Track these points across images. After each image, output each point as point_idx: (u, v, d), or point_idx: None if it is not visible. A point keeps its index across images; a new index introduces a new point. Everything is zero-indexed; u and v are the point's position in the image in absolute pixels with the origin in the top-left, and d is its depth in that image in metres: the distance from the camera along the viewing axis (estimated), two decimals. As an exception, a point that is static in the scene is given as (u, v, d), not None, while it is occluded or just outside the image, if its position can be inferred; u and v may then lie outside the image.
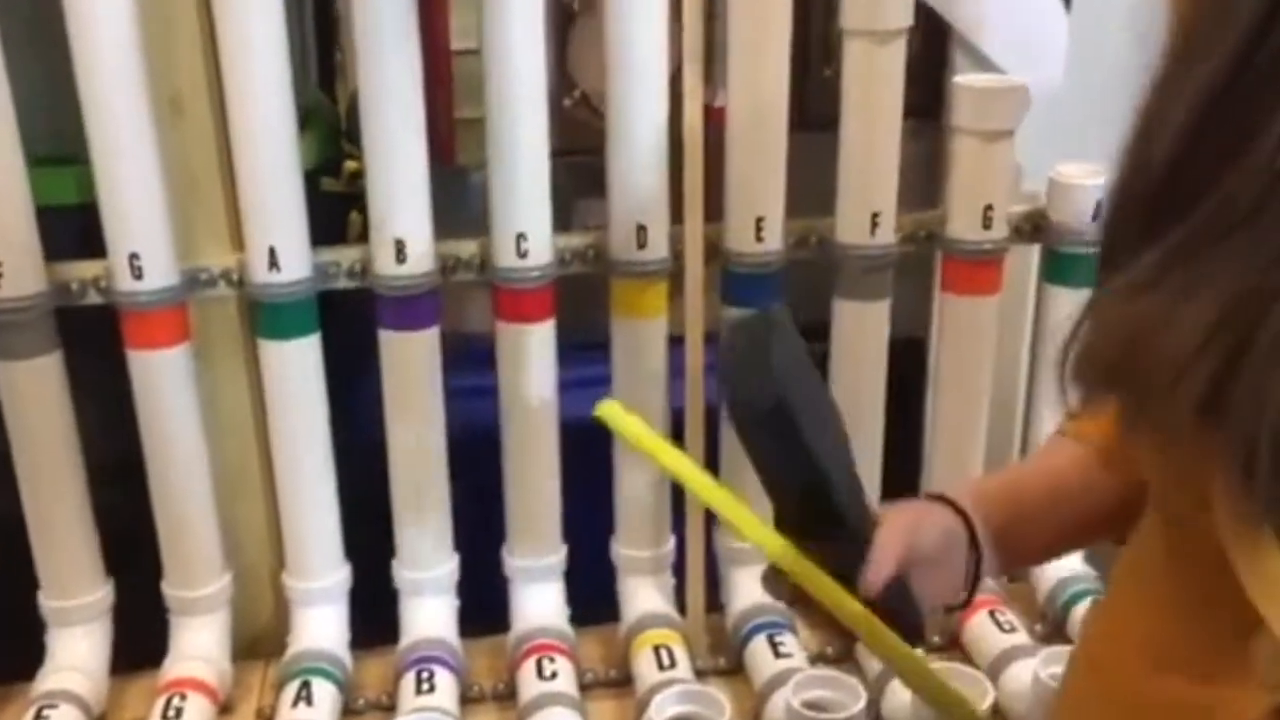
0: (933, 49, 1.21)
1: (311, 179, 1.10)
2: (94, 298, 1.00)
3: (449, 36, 1.10)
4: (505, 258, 1.04)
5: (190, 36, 0.99)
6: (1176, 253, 0.46)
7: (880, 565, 0.69)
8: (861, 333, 1.11)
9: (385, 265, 1.02)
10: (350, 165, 1.48)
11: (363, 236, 1.09)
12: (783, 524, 0.71)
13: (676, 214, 1.08)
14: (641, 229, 1.06)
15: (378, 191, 1.01)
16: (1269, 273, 0.43)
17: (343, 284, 1.05)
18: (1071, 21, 1.17)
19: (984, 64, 1.18)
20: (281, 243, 1.00)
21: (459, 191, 1.19)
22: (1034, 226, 1.12)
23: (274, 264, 1.00)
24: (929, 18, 1.17)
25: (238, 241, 1.03)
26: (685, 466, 0.73)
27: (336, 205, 1.42)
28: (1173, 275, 0.45)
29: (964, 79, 1.06)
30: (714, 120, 1.08)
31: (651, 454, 0.72)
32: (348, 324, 1.09)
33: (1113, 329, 0.48)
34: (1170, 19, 0.48)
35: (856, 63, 1.03)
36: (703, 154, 1.06)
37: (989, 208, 1.06)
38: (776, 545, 0.70)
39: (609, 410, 0.72)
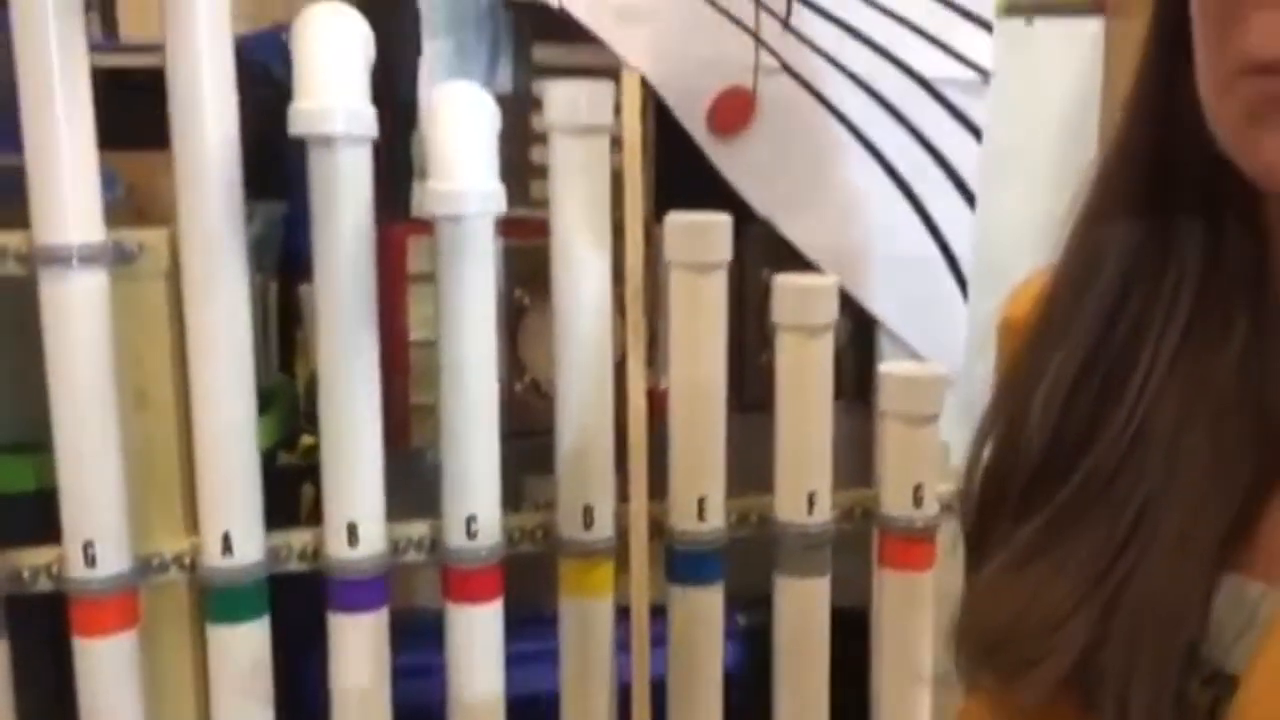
0: (862, 336, 1.29)
1: (268, 455, 1.13)
2: (45, 585, 1.01)
3: (407, 327, 1.17)
4: (455, 539, 1.07)
5: (160, 333, 1.05)
6: (1046, 530, 0.49)
7: None
8: (803, 608, 1.14)
9: (337, 548, 1.05)
10: (306, 439, 1.52)
11: (316, 509, 1.12)
12: None
13: (622, 493, 1.13)
14: (588, 509, 1.10)
15: (332, 477, 1.05)
16: (1127, 542, 0.46)
17: (294, 567, 1.07)
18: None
19: (911, 350, 1.26)
20: (236, 527, 1.02)
21: (412, 473, 1.22)
22: (964, 503, 1.17)
23: (227, 549, 1.02)
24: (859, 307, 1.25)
25: (192, 526, 1.06)
26: None
27: (291, 478, 1.45)
28: (1043, 552, 0.49)
29: (889, 367, 1.14)
30: (657, 403, 1.14)
31: None
32: (296, 604, 1.10)
33: (988, 608, 0.51)
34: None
35: (788, 353, 1.10)
36: (646, 436, 1.11)
37: (919, 487, 1.12)
38: None
39: None
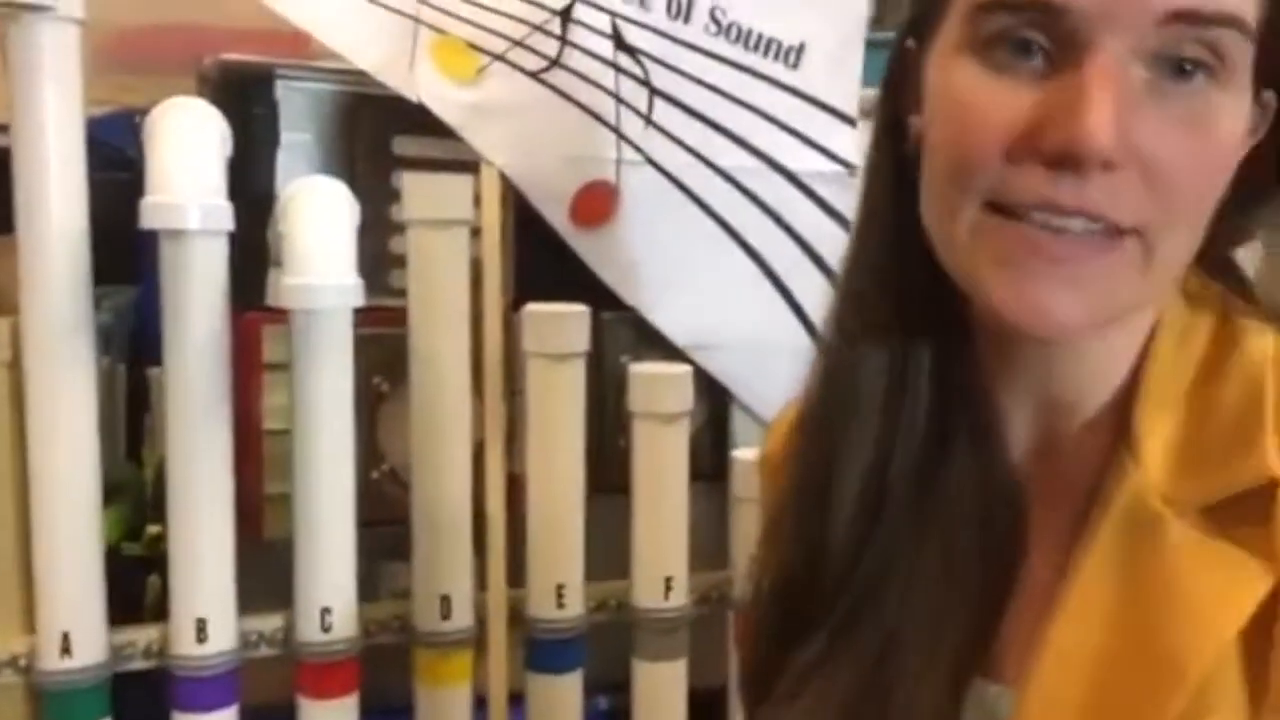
0: (717, 421, 1.32)
1: (112, 547, 1.10)
2: None
3: (262, 415, 1.15)
4: (309, 632, 1.05)
5: (1, 424, 1.01)
6: (816, 658, 0.51)
7: None
8: (660, 691, 1.15)
9: (184, 644, 1.02)
10: (151, 529, 1.47)
11: (162, 600, 1.09)
12: None
13: (480, 581, 1.12)
14: (445, 599, 1.09)
15: (181, 570, 1.02)
16: (882, 662, 0.49)
17: (139, 665, 1.04)
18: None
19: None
20: (76, 627, 0.99)
21: (265, 563, 1.20)
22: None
23: (66, 650, 0.98)
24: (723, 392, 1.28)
25: (29, 625, 1.01)
26: None
27: (136, 570, 1.40)
28: (813, 680, 0.51)
29: (742, 453, 1.17)
30: (516, 490, 1.15)
31: None
32: (139, 704, 1.06)
33: None
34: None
35: (644, 441, 1.13)
36: (505, 523, 1.12)
37: (772, 570, 1.14)
38: None
39: None
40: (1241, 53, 0.43)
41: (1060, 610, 0.46)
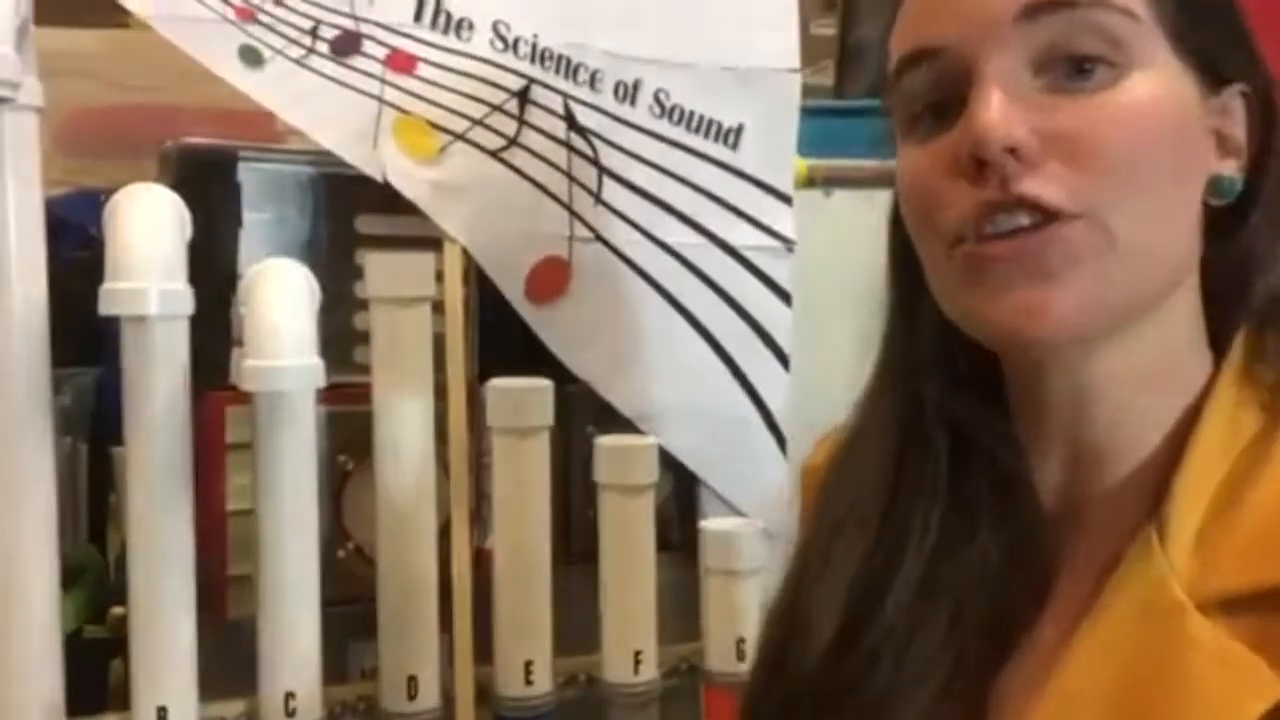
0: (684, 491, 1.32)
1: (74, 632, 1.08)
2: None
3: (225, 495, 1.15)
4: (273, 717, 1.04)
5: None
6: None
7: None
8: (632, 768, 1.14)
9: (145, 735, 1.00)
10: (116, 610, 1.45)
11: (124, 684, 1.07)
12: None
13: (448, 658, 1.11)
14: (412, 679, 1.08)
15: (143, 656, 1.01)
16: None
17: (99, 758, 1.02)
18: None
19: (733, 506, 1.29)
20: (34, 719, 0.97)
21: (228, 646, 1.19)
22: (786, 653, 1.20)
23: (25, 742, 0.96)
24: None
25: (-13, 717, 1.00)
26: None
27: (98, 653, 1.38)
28: None
29: (709, 523, 1.18)
30: (483, 564, 1.14)
31: None
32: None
33: None
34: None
35: (611, 512, 1.13)
36: (471, 599, 1.11)
37: (741, 640, 1.14)
38: None
39: None
40: (1132, 29, 0.45)
41: (1057, 683, 0.46)
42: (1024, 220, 0.45)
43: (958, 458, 0.52)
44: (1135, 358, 0.48)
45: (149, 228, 0.93)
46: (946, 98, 0.47)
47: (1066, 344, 0.47)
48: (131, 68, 1.46)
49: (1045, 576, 0.50)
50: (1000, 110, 0.44)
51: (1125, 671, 0.45)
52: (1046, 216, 0.45)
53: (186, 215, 0.96)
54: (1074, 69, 0.45)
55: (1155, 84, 0.45)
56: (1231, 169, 0.49)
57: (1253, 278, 0.49)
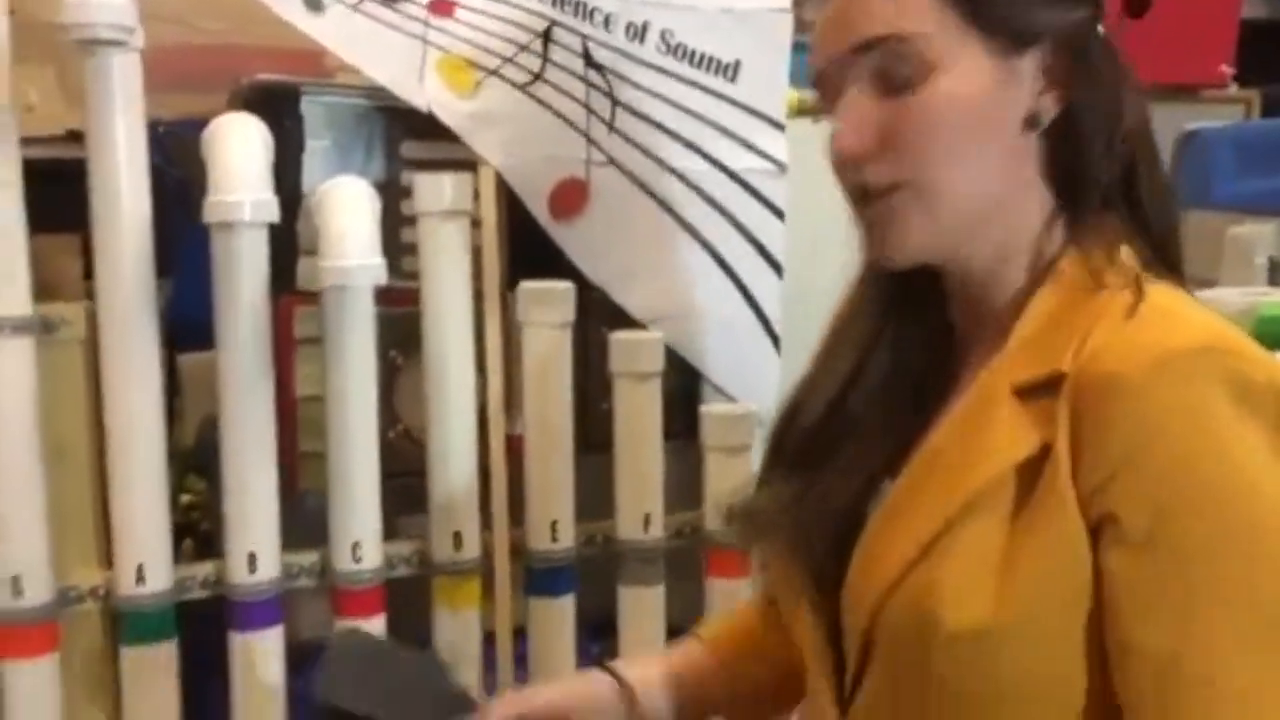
0: (687, 386, 1.50)
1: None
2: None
3: (295, 384, 1.33)
4: (343, 563, 1.24)
5: (76, 394, 1.19)
6: (796, 458, 0.77)
7: None
8: (642, 613, 1.34)
9: (238, 575, 1.20)
10: (185, 497, 1.65)
11: (196, 559, 1.28)
12: None
13: (486, 522, 1.31)
14: (457, 535, 1.28)
15: (234, 512, 1.20)
16: (822, 466, 0.74)
17: (198, 594, 1.22)
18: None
19: (729, 396, 1.48)
20: (149, 560, 1.17)
21: (296, 513, 1.38)
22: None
23: (140, 579, 1.17)
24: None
25: (106, 561, 1.20)
26: None
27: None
28: (788, 475, 0.77)
29: (708, 407, 1.36)
30: (514, 447, 1.34)
31: None
32: (198, 635, 1.24)
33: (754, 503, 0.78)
34: None
35: (624, 396, 1.31)
36: (506, 474, 1.31)
37: (736, 506, 1.33)
38: None
39: None
40: (927, 46, 0.65)
41: (928, 442, 0.68)
42: (872, 193, 0.67)
43: (907, 311, 0.74)
44: (991, 247, 0.68)
45: (242, 150, 1.11)
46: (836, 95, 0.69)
47: (919, 263, 0.69)
48: (200, 11, 1.63)
49: (955, 373, 0.72)
50: (848, 130, 0.66)
51: (961, 430, 0.66)
52: (878, 192, 0.66)
53: (270, 139, 1.13)
54: (893, 83, 0.66)
55: (951, 80, 0.65)
56: (1049, 101, 0.67)
57: (1087, 172, 0.68)
